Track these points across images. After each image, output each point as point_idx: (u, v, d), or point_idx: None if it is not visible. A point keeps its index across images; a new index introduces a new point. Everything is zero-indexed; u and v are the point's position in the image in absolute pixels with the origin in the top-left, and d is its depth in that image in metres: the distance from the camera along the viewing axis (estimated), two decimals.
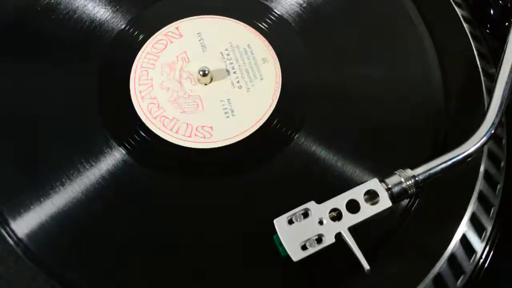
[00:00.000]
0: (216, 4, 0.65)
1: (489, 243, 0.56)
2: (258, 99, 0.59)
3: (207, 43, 0.62)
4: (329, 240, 0.48)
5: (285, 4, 0.64)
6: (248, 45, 0.62)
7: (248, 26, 0.63)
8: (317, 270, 0.51)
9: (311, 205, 0.49)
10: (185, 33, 0.63)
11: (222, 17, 0.64)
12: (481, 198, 0.55)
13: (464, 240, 0.53)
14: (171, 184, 0.55)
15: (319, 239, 0.48)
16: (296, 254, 0.47)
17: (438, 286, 0.51)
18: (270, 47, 0.62)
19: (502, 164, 0.59)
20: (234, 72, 0.61)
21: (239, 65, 0.61)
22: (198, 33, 0.63)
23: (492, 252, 0.56)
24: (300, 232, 0.48)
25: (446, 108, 0.59)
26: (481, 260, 0.55)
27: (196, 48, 0.62)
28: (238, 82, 0.60)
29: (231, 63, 0.61)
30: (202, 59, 0.61)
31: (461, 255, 0.53)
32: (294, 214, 0.49)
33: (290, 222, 0.48)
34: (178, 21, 0.64)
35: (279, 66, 0.61)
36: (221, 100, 0.59)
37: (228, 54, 0.62)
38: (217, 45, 0.62)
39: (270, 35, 0.63)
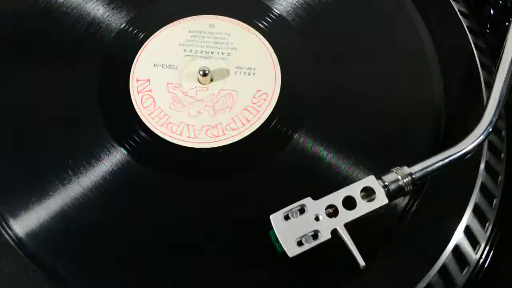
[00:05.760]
0: (216, 4, 0.65)
1: (489, 243, 0.55)
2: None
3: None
4: (325, 236, 0.48)
5: (285, 3, 0.65)
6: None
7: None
8: (316, 269, 0.50)
9: (307, 201, 0.49)
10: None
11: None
12: (481, 198, 0.55)
13: (464, 240, 0.53)
14: (171, 184, 0.55)
15: (315, 235, 0.48)
16: (291, 250, 0.47)
17: (438, 286, 0.51)
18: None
19: (502, 164, 0.59)
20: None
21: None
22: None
23: (492, 252, 0.56)
24: (296, 228, 0.48)
25: (445, 107, 0.59)
26: (481, 260, 0.55)
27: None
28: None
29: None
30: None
31: (460, 255, 0.53)
32: (290, 210, 0.49)
33: (286, 218, 0.49)
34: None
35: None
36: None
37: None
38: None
39: (269, 35, 0.63)
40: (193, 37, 0.63)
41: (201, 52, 0.62)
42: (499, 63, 0.56)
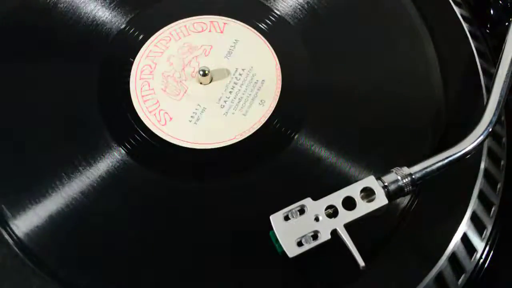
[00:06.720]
0: (216, 5, 0.65)
1: (489, 243, 0.56)
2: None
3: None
4: (324, 236, 0.48)
5: (285, 4, 0.65)
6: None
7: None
8: (315, 270, 0.51)
9: (307, 201, 0.49)
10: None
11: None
12: (481, 198, 0.55)
13: (464, 239, 0.53)
14: (171, 184, 0.55)
15: (315, 236, 0.48)
16: (291, 251, 0.47)
17: (438, 286, 0.51)
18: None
19: (502, 162, 0.59)
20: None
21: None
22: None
23: (492, 252, 0.56)
24: (296, 228, 0.48)
25: (445, 107, 0.59)
26: (481, 260, 0.55)
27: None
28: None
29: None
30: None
31: (461, 254, 0.53)
32: (290, 210, 0.49)
33: (286, 218, 0.49)
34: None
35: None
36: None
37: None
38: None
39: (270, 35, 0.63)
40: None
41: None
42: (499, 63, 0.56)
